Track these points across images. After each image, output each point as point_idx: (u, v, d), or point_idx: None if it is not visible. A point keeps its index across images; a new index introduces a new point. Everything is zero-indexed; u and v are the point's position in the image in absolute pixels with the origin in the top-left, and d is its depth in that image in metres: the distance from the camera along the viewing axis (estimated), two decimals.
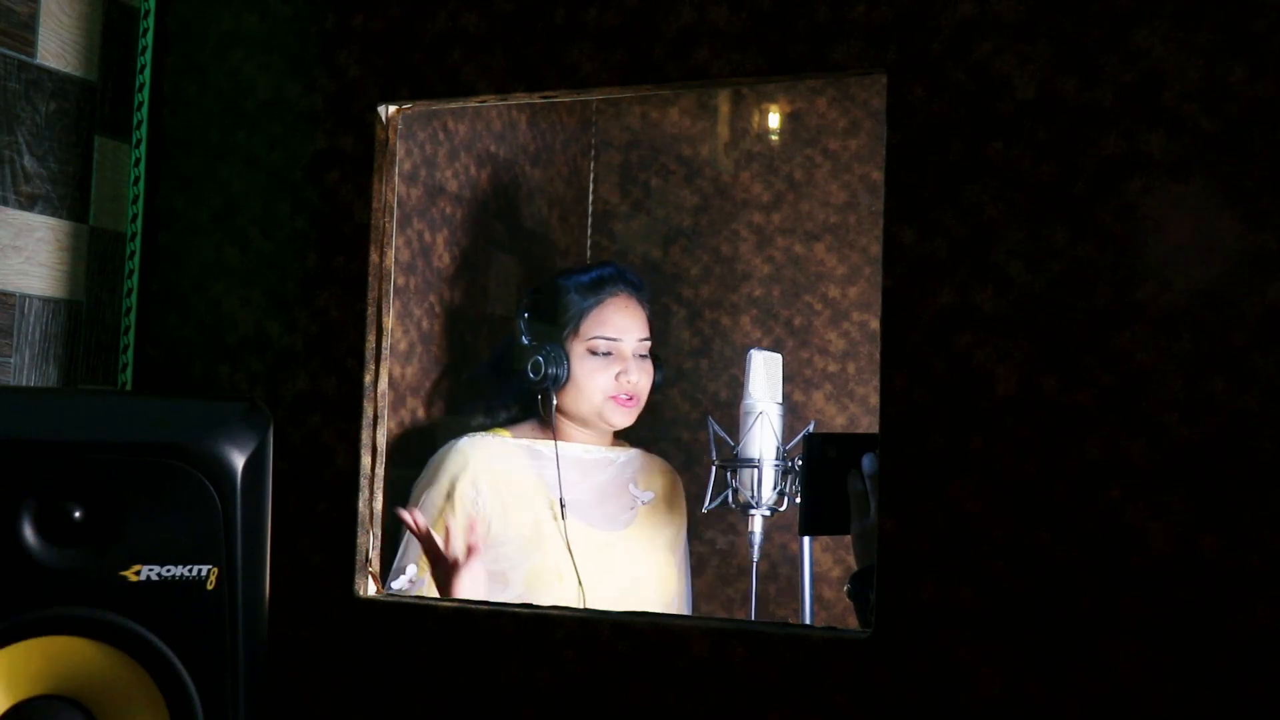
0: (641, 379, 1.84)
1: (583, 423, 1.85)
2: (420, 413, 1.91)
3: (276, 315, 1.37)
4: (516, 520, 1.78)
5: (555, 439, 1.83)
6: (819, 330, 2.31)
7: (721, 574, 2.32)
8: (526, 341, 1.84)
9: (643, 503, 1.87)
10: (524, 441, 1.84)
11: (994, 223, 1.09)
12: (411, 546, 1.73)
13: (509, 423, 1.89)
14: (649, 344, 1.86)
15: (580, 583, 1.77)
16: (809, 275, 2.32)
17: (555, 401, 1.82)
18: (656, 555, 1.87)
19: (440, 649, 1.26)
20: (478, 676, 1.25)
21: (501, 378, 1.90)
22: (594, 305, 1.83)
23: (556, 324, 1.84)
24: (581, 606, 1.66)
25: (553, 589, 1.76)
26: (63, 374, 1.40)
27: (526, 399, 1.87)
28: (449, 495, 1.77)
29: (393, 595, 1.32)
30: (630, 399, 1.83)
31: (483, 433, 1.84)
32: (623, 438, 1.95)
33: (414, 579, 1.71)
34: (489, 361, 1.97)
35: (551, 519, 1.80)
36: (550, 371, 1.79)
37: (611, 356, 1.82)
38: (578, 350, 1.82)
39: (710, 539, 2.32)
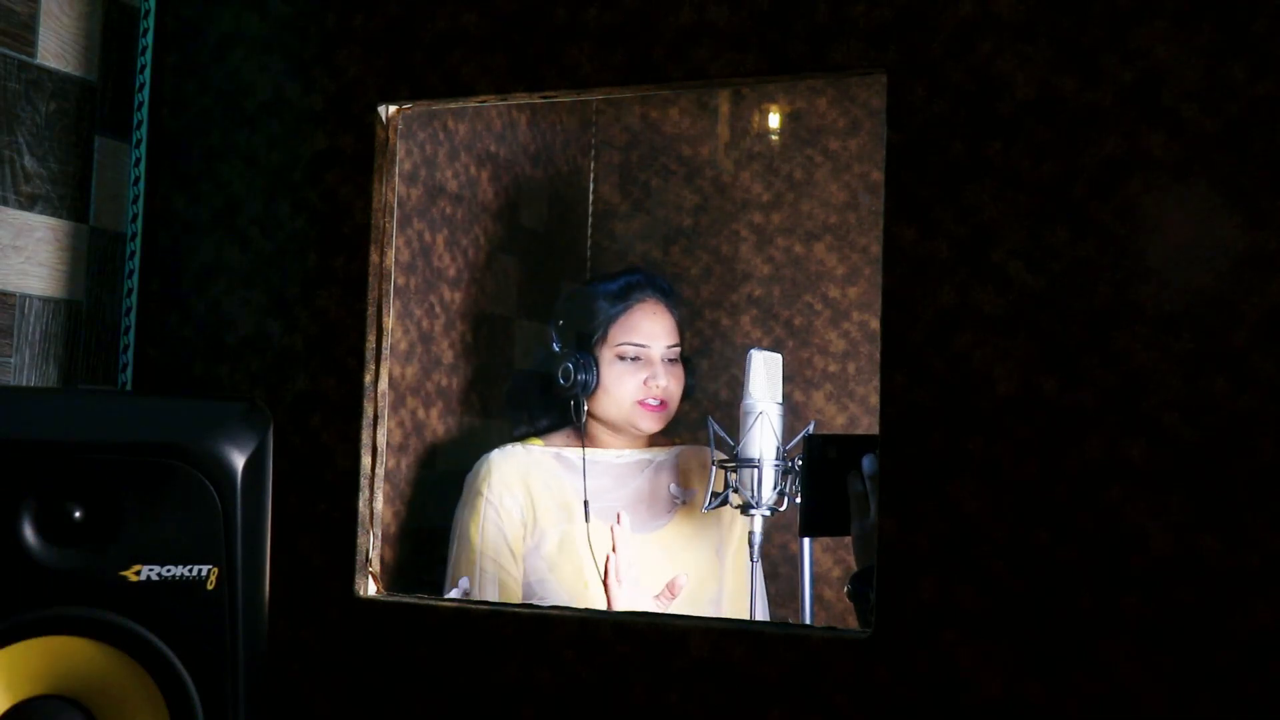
0: (670, 383, 1.85)
1: (613, 428, 1.87)
2: (420, 413, 1.91)
3: (276, 315, 1.37)
4: (548, 529, 1.79)
5: (584, 444, 1.85)
6: (819, 330, 2.31)
7: None
8: (557, 349, 1.88)
9: (681, 502, 1.87)
10: (554, 450, 1.86)
11: (994, 223, 1.09)
12: (462, 559, 1.75)
13: (546, 431, 1.92)
14: (679, 349, 1.87)
15: (599, 584, 1.77)
16: (809, 275, 2.32)
17: (586, 408, 1.84)
18: (696, 554, 1.86)
19: (440, 649, 1.26)
20: (478, 676, 1.25)
21: (539, 386, 1.93)
22: (621, 312, 1.85)
23: (586, 331, 1.87)
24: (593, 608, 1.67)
25: (583, 595, 1.76)
26: (63, 374, 1.40)
27: (562, 407, 1.88)
28: (475, 507, 1.79)
29: (393, 595, 1.32)
30: (660, 404, 1.84)
31: (516, 444, 1.86)
32: (667, 435, 1.96)
33: (467, 591, 1.73)
34: (530, 370, 2.00)
35: (572, 522, 1.80)
36: (580, 378, 1.82)
37: (640, 362, 1.84)
38: (607, 356, 1.84)
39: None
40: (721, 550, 1.90)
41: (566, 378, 1.82)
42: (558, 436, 1.90)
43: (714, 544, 1.89)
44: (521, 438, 1.89)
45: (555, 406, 1.91)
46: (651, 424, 1.85)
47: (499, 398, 2.07)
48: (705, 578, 1.86)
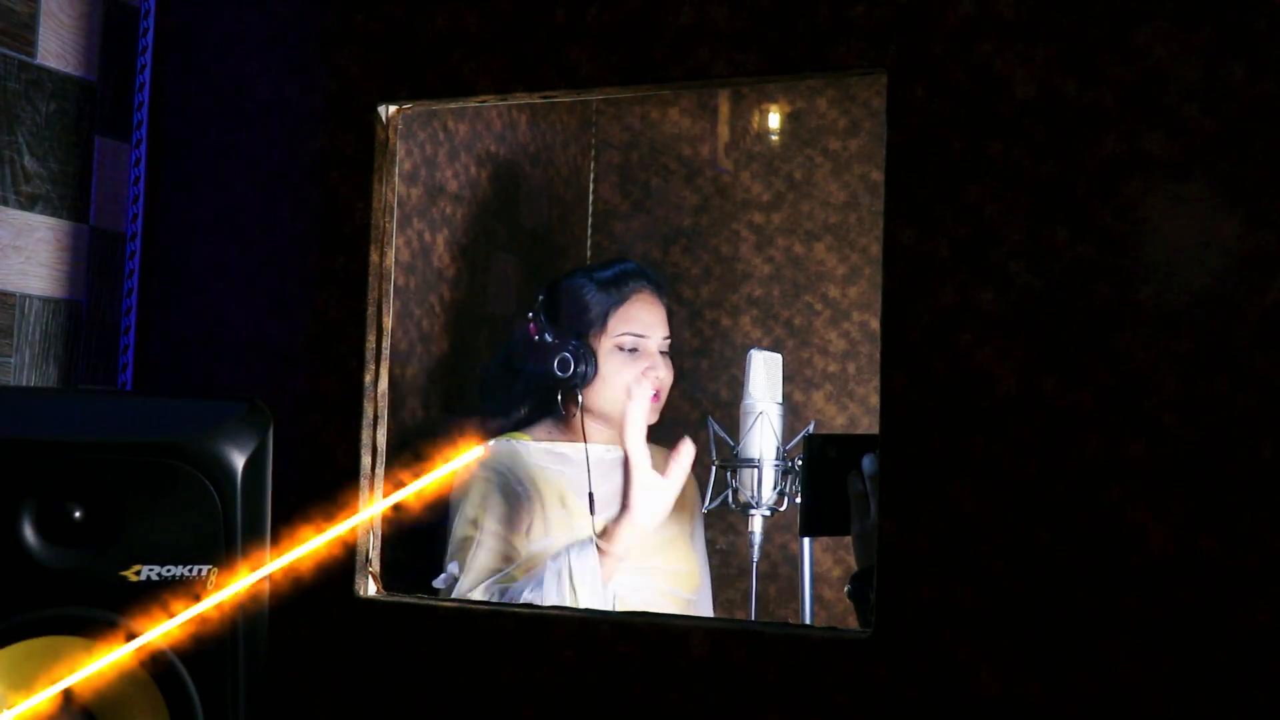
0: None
1: (607, 421, 1.83)
2: (420, 412, 1.91)
3: (276, 315, 1.37)
4: (537, 520, 1.78)
5: (585, 438, 1.81)
6: (819, 330, 2.31)
7: (722, 574, 2.32)
8: (550, 339, 1.81)
9: None
10: (542, 444, 1.83)
11: (994, 223, 1.09)
12: (459, 537, 1.73)
13: (524, 424, 1.88)
14: (669, 341, 1.87)
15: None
16: (809, 275, 2.32)
17: (582, 400, 1.81)
18: (678, 545, 1.85)
19: (440, 649, 1.26)
20: (478, 676, 1.25)
21: (513, 377, 1.89)
22: (619, 301, 1.82)
23: (579, 321, 1.82)
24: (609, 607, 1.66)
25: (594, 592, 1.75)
26: (63, 374, 1.40)
27: (542, 397, 1.85)
28: (470, 487, 1.76)
29: (393, 595, 1.32)
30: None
31: (504, 437, 1.83)
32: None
33: (455, 576, 1.71)
34: (498, 360, 1.96)
35: (573, 515, 1.79)
36: (580, 370, 1.78)
37: (638, 353, 1.82)
38: (605, 347, 1.81)
39: (710, 539, 2.32)
40: (693, 537, 1.89)
41: (565, 368, 1.78)
42: (538, 430, 1.86)
43: (689, 533, 1.89)
44: (500, 431, 1.86)
45: (528, 399, 1.87)
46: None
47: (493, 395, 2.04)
48: (690, 567, 1.85)
